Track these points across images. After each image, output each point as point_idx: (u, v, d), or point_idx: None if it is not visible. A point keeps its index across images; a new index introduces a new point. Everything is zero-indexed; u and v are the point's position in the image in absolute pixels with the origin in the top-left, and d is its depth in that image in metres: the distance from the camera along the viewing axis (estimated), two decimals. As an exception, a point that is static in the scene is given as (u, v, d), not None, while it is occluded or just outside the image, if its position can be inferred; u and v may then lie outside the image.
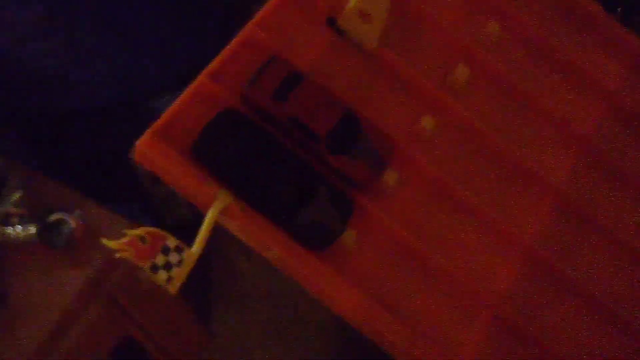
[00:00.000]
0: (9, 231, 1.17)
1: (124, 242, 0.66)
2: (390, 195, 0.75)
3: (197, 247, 0.68)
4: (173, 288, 0.68)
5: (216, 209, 0.67)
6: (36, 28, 1.40)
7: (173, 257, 0.67)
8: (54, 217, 1.34)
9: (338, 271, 0.70)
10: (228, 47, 0.73)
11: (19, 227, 1.20)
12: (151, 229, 0.67)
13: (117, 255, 0.67)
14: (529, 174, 0.80)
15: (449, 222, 0.77)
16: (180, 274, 0.67)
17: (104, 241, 0.67)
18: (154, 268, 0.67)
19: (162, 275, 0.67)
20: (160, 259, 0.67)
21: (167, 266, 0.67)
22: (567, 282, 0.77)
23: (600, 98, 0.87)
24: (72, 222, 1.36)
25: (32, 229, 1.19)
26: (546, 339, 0.75)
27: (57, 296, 1.42)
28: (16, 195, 1.39)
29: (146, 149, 0.68)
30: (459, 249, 0.76)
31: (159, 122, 0.69)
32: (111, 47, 1.38)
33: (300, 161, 0.70)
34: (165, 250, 0.67)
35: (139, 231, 0.66)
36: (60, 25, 1.41)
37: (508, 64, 0.84)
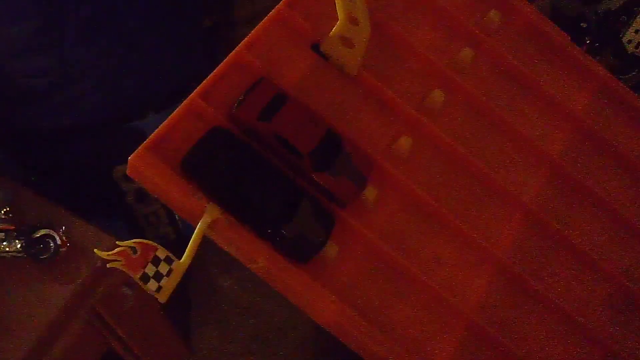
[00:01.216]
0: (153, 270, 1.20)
1: (115, 252, 0.69)
2: (370, 211, 0.79)
3: (186, 258, 0.71)
4: (163, 297, 0.71)
5: (205, 222, 0.71)
6: (28, 44, 1.43)
7: (163, 268, 0.71)
8: (40, 232, 1.36)
9: (320, 282, 0.74)
10: (218, 68, 0.77)
11: (4, 242, 1.21)
12: (142, 240, 0.70)
13: (109, 265, 0.70)
14: (501, 191, 0.85)
15: (426, 237, 0.81)
16: (169, 284, 0.71)
17: (96, 251, 0.70)
18: (145, 278, 0.70)
19: (153, 284, 0.70)
20: (150, 269, 0.70)
21: (157, 276, 0.71)
22: (536, 294, 0.81)
23: (567, 121, 0.92)
24: (57, 238, 1.38)
25: (18, 244, 1.21)
26: (518, 349, 0.79)
27: (42, 311, 1.43)
28: (2, 211, 1.42)
29: (138, 163, 0.71)
30: (435, 262, 0.80)
31: (151, 138, 0.72)
32: (99, 66, 1.41)
33: (284, 177, 0.74)
34: (156, 261, 0.70)
35: (130, 242, 0.69)
36: (51, 42, 1.44)
37: (481, 88, 0.89)
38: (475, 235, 0.82)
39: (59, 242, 1.39)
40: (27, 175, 1.46)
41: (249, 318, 1.71)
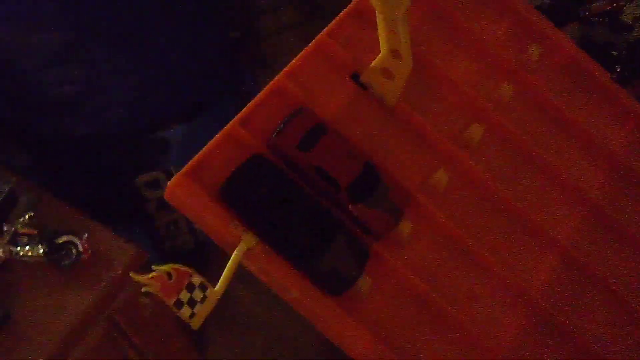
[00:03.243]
0: (17, 250, 1.19)
1: (151, 277, 0.69)
2: (404, 245, 0.78)
3: (220, 286, 0.71)
4: (196, 324, 0.71)
5: (240, 251, 0.70)
6: (56, 55, 1.44)
7: (197, 294, 0.70)
8: (62, 238, 1.36)
9: (353, 316, 0.73)
10: (258, 95, 0.77)
11: (27, 247, 1.22)
12: (178, 266, 0.70)
13: (144, 289, 0.70)
14: (537, 230, 0.84)
15: (460, 273, 0.80)
16: (203, 311, 0.70)
17: (132, 275, 0.70)
18: (179, 304, 0.70)
19: (186, 311, 0.70)
20: (184, 295, 0.70)
21: (191, 302, 0.70)
22: (570, 337, 0.80)
23: (604, 159, 0.91)
24: (79, 245, 1.38)
25: (40, 249, 1.22)
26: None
27: (61, 317, 1.44)
28: (26, 216, 1.42)
29: (177, 189, 0.71)
30: (468, 300, 0.79)
31: (190, 164, 0.72)
32: (124, 77, 1.42)
33: (321, 208, 0.74)
34: (190, 287, 0.70)
35: (166, 267, 0.69)
36: (81, 52, 1.45)
37: (519, 124, 0.88)
38: (509, 273, 0.81)
39: (80, 249, 1.39)
40: (51, 182, 1.47)
41: (265, 332, 1.71)
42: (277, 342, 1.55)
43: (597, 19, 1.23)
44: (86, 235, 1.38)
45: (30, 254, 1.23)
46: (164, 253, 1.54)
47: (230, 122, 0.75)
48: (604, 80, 0.95)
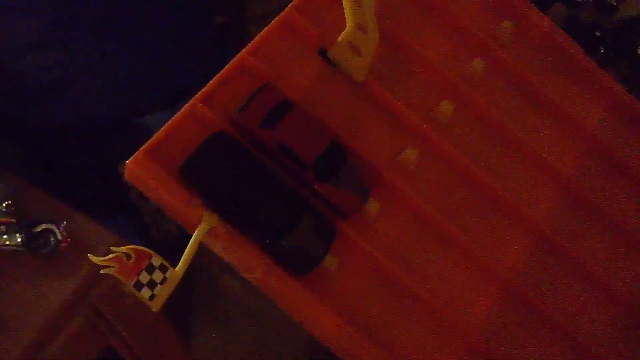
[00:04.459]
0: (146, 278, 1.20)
1: (109, 258, 0.68)
2: (372, 224, 0.77)
3: (181, 267, 0.69)
4: (156, 306, 0.69)
5: (201, 231, 0.69)
6: (36, 40, 1.42)
7: (157, 276, 0.69)
8: (40, 227, 1.34)
9: (319, 296, 0.72)
10: (221, 72, 0.75)
11: (5, 236, 1.20)
12: (137, 247, 0.68)
13: (102, 271, 0.68)
14: (508, 208, 0.83)
15: (429, 253, 0.79)
16: (163, 293, 0.69)
17: (90, 256, 0.68)
18: (138, 285, 0.68)
19: (146, 292, 0.69)
20: (144, 277, 0.68)
21: (151, 284, 0.69)
22: (541, 315, 0.79)
23: (579, 137, 0.90)
24: (58, 233, 1.36)
25: (19, 238, 1.20)
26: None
27: (42, 306, 1.43)
28: (3, 204, 1.40)
29: (136, 168, 0.69)
30: (438, 279, 0.78)
31: (149, 143, 0.70)
32: (107, 63, 1.40)
33: (286, 187, 0.72)
34: (150, 269, 0.69)
35: (125, 248, 0.68)
36: (59, 39, 1.43)
37: (491, 101, 0.86)
38: (480, 253, 0.79)
39: (59, 237, 1.37)
40: (33, 171, 1.46)
41: (251, 320, 1.69)
42: (266, 330, 1.54)
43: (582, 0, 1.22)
44: (64, 223, 1.36)
45: (8, 242, 1.21)
46: (150, 242, 1.53)
47: (191, 100, 0.73)
48: (580, 58, 0.93)
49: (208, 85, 0.74)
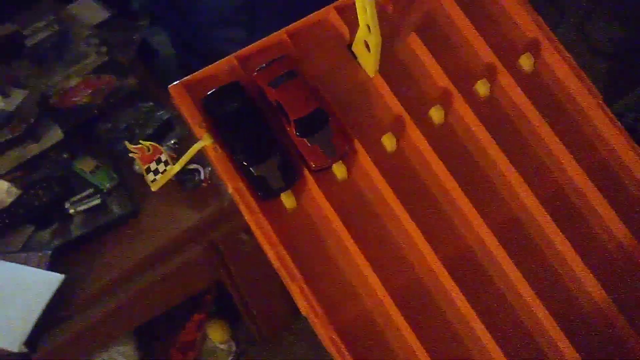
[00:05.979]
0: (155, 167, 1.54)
1: (137, 147, 0.96)
2: (334, 184, 0.95)
3: (177, 165, 0.95)
4: (154, 187, 0.96)
5: (199, 144, 0.94)
6: (230, 17, 1.76)
7: (161, 167, 0.96)
8: (192, 166, 1.73)
9: (272, 223, 0.92)
10: (260, 41, 0.99)
11: (167, 167, 1.56)
12: (155, 144, 0.96)
13: (130, 154, 0.97)
14: (460, 214, 0.94)
15: (377, 224, 0.93)
16: (161, 180, 0.96)
17: (126, 143, 0.97)
18: (148, 170, 0.96)
19: (151, 176, 0.96)
20: (153, 165, 0.96)
21: (156, 172, 0.96)
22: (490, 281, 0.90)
23: (553, 185, 0.96)
24: (203, 174, 1.73)
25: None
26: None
27: (172, 226, 1.80)
28: (172, 141, 1.81)
29: (174, 93, 0.97)
30: (378, 242, 0.92)
31: (188, 78, 0.97)
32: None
33: (271, 132, 0.94)
34: (158, 161, 0.96)
35: (147, 143, 0.96)
36: (247, 18, 1.76)
37: (487, 121, 0.96)
38: (423, 237, 0.92)
39: (202, 177, 1.74)
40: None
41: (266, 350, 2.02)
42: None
43: None
44: (210, 168, 1.73)
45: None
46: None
47: (230, 55, 0.99)
48: (585, 105, 0.99)
49: (247, 48, 0.99)
